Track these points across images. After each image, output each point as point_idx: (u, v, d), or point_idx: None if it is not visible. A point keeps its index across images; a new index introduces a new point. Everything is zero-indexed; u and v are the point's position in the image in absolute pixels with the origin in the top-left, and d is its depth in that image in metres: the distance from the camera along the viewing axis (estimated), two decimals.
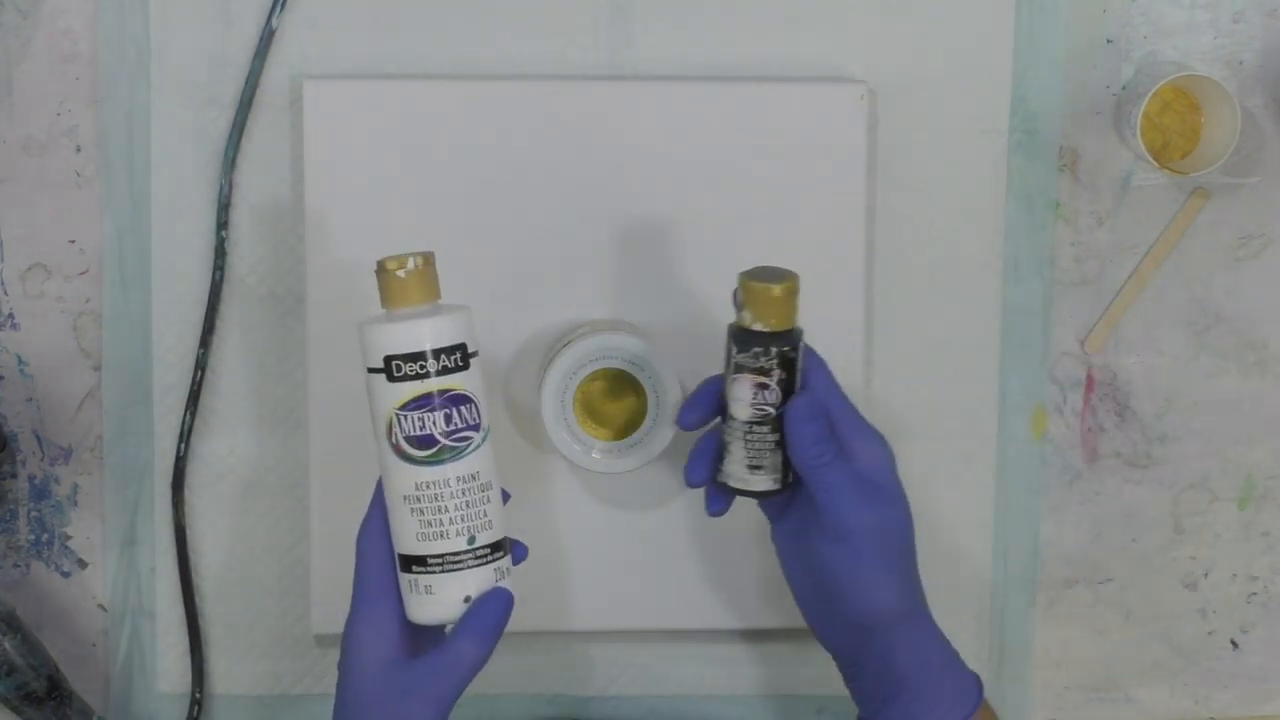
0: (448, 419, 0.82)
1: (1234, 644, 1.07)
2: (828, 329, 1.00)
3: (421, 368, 0.82)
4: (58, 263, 1.00)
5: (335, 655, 1.02)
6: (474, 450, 0.83)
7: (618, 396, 0.94)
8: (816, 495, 0.86)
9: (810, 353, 0.89)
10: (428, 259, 0.84)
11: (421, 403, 0.82)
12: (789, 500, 0.90)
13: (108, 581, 1.02)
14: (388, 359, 0.82)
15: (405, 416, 0.82)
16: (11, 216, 1.00)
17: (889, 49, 1.01)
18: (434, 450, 0.82)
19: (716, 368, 1.00)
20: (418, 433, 0.82)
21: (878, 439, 0.89)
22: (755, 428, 0.87)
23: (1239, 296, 1.04)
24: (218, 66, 0.99)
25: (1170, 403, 1.05)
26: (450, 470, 0.83)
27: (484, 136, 0.98)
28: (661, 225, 0.99)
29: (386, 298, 0.84)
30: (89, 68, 0.99)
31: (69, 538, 1.02)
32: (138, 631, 1.02)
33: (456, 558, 0.83)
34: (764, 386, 0.87)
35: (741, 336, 0.87)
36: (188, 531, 1.02)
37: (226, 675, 1.03)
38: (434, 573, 0.83)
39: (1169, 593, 1.06)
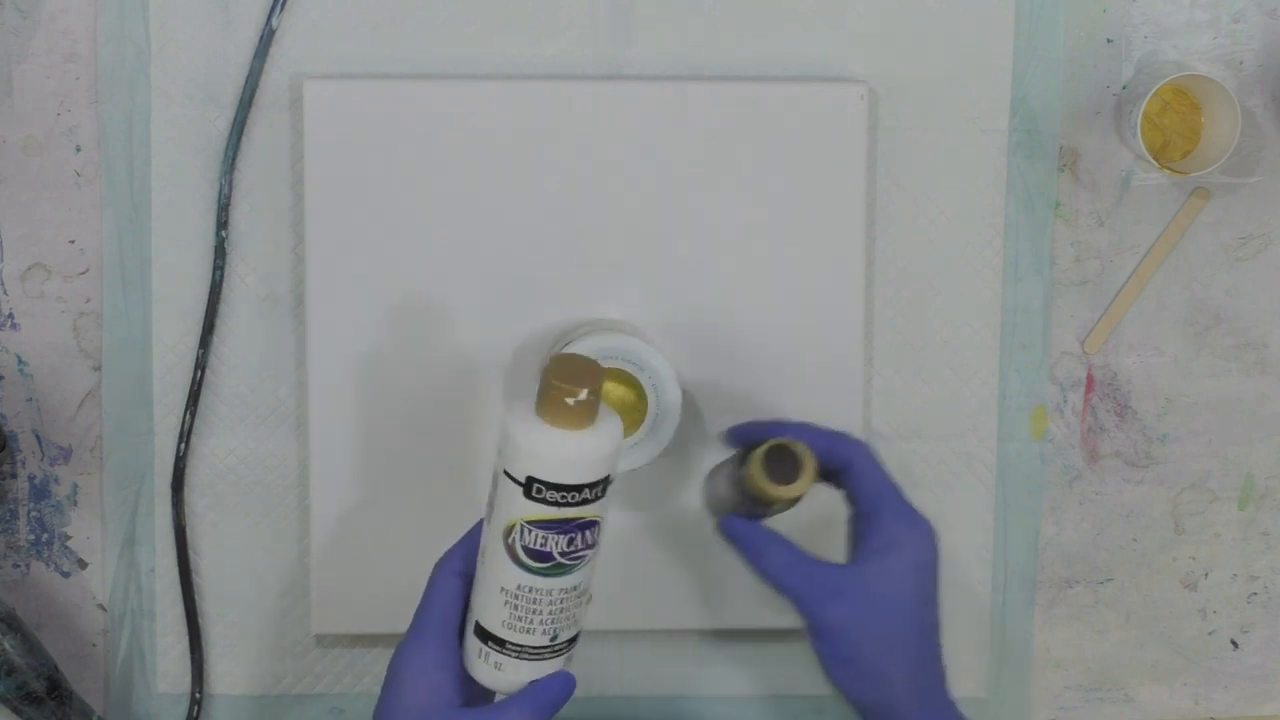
0: (570, 541, 0.81)
1: (1234, 644, 1.07)
2: (828, 329, 1.00)
3: (562, 498, 0.80)
4: (58, 263, 1.00)
5: (335, 655, 1.03)
6: (584, 566, 0.82)
7: (617, 396, 0.94)
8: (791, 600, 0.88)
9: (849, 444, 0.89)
10: (597, 388, 0.79)
11: (551, 525, 0.80)
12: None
13: (108, 581, 1.02)
14: (530, 479, 0.79)
15: (530, 531, 0.80)
16: (11, 216, 1.00)
17: (889, 49, 1.01)
18: (548, 565, 0.81)
19: (716, 367, 1.00)
20: (538, 548, 0.81)
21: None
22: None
23: (1239, 296, 1.04)
24: (218, 66, 0.99)
25: (1170, 403, 1.05)
26: (556, 583, 0.81)
27: (484, 136, 0.98)
28: (661, 225, 0.99)
29: (544, 409, 0.79)
30: (89, 68, 0.99)
31: (69, 538, 1.02)
32: (138, 631, 1.02)
33: (535, 651, 0.82)
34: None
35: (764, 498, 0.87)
36: (188, 531, 1.02)
37: (226, 675, 1.03)
38: (508, 656, 0.82)
39: (1169, 593, 1.06)
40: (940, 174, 1.02)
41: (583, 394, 0.78)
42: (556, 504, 0.79)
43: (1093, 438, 1.05)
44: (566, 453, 0.79)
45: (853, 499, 0.89)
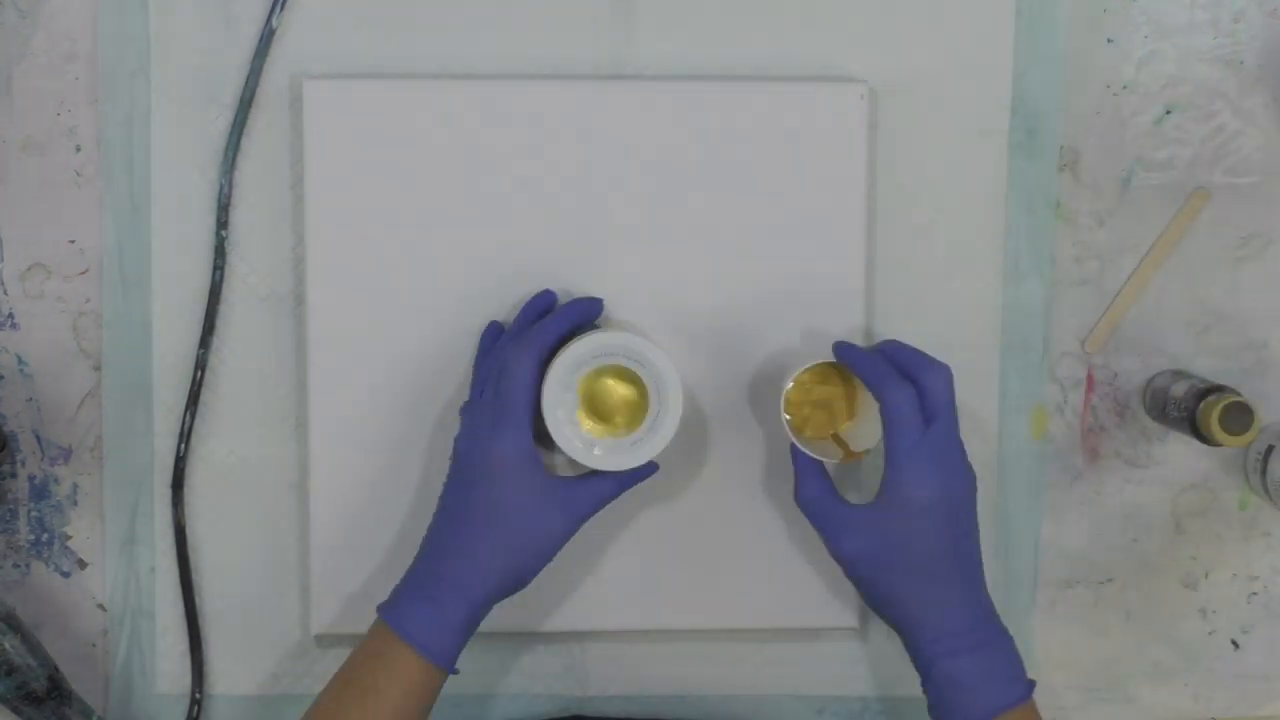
0: None
1: (1234, 644, 1.07)
2: (828, 328, 1.00)
3: None
4: (58, 263, 1.00)
5: (335, 655, 1.02)
6: None
7: (619, 394, 0.94)
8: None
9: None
10: None
11: None
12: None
13: (108, 581, 1.02)
14: None
15: None
16: (11, 216, 1.00)
17: (889, 49, 1.01)
18: None
19: (717, 366, 1.00)
20: None
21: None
22: None
23: (1239, 296, 1.04)
24: (218, 66, 0.99)
25: None
26: None
27: (484, 136, 0.98)
28: (661, 225, 0.99)
29: None
30: (89, 68, 0.99)
31: (69, 538, 1.02)
32: (138, 631, 1.02)
33: None
34: None
35: None
36: (188, 531, 1.02)
37: (226, 675, 1.03)
38: None
39: (1169, 593, 1.06)
40: (940, 174, 1.02)
41: None
42: None
43: (1093, 438, 1.05)
44: None
45: (885, 436, 0.92)
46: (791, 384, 0.95)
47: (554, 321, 0.95)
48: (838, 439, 0.98)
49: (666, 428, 0.93)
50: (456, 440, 0.95)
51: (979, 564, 0.93)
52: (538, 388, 0.92)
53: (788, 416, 0.95)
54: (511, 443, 0.91)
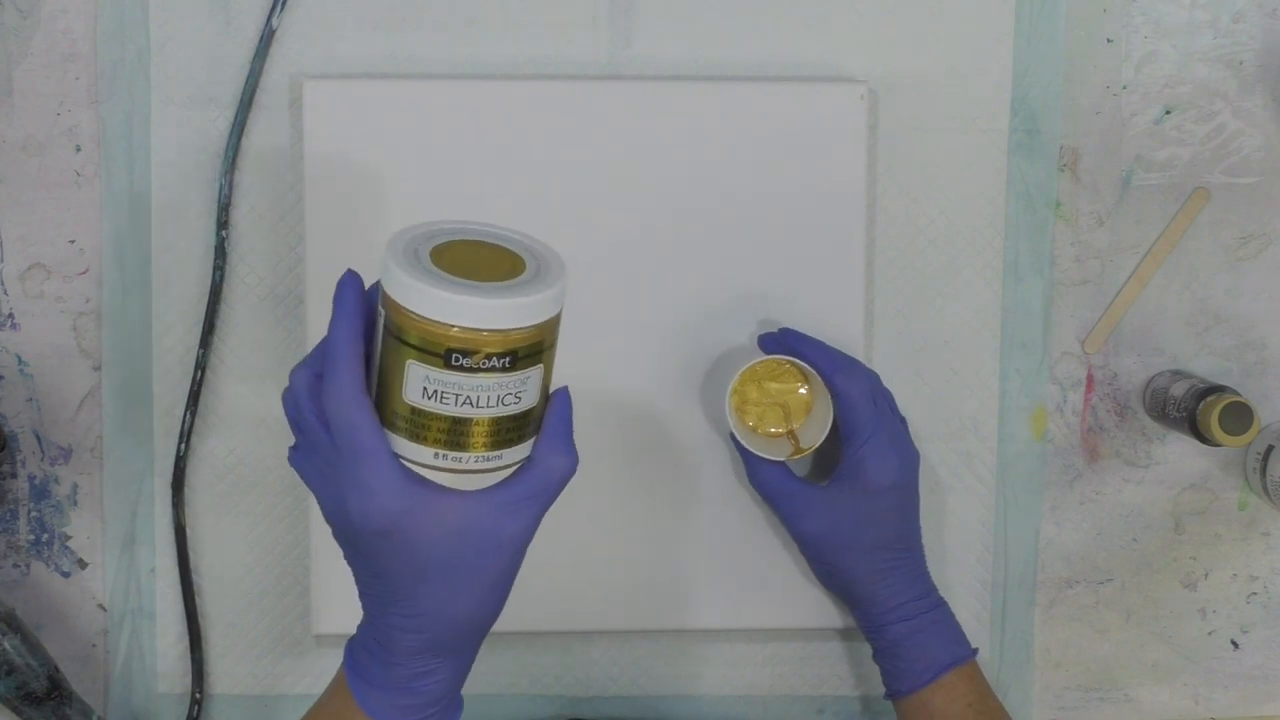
0: None
1: (1234, 644, 1.07)
2: (828, 329, 1.00)
3: None
4: (58, 263, 1.00)
5: (335, 655, 1.03)
6: None
7: (487, 256, 0.76)
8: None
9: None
10: None
11: None
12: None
13: (108, 581, 1.02)
14: None
15: None
16: (11, 216, 1.00)
17: (889, 49, 1.01)
18: None
19: (715, 365, 1.00)
20: None
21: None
22: None
23: (1239, 296, 1.04)
24: (218, 66, 0.99)
25: None
26: None
27: (484, 136, 0.98)
28: (661, 225, 0.99)
29: None
30: (89, 68, 0.99)
31: (69, 538, 1.02)
32: (138, 631, 1.02)
33: None
34: None
35: None
36: (188, 531, 1.02)
37: (226, 675, 1.03)
38: None
39: (1169, 593, 1.06)
40: (940, 174, 1.02)
41: None
42: None
43: (1093, 438, 1.05)
44: None
45: (839, 422, 0.96)
46: (737, 378, 0.96)
47: (341, 320, 0.75)
48: (792, 435, 0.99)
49: (549, 284, 0.74)
50: (320, 505, 0.78)
51: (921, 535, 0.99)
52: (372, 411, 0.74)
53: (735, 413, 0.98)
54: (386, 495, 0.74)
